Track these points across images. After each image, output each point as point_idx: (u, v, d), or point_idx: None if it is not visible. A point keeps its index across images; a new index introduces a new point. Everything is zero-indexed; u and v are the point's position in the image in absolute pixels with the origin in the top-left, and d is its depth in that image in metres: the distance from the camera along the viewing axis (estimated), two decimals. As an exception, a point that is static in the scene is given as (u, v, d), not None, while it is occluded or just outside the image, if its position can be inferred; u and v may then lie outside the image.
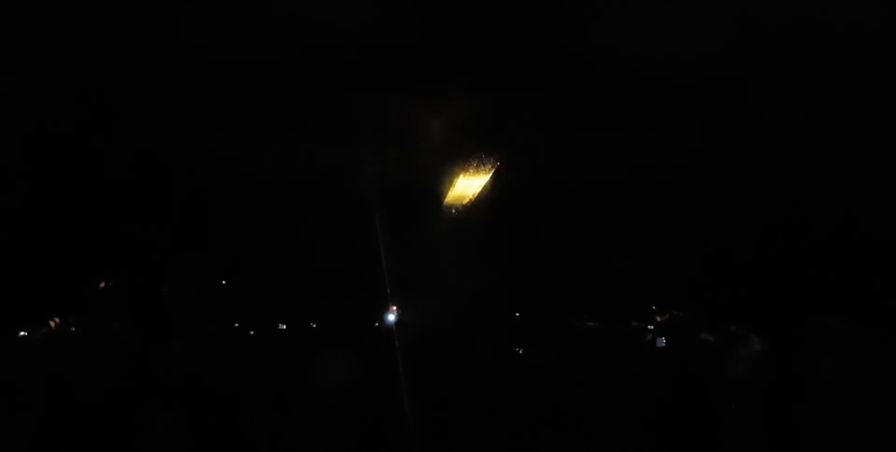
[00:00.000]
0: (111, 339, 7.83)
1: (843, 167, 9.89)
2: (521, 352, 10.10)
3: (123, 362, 7.44)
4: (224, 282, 12.48)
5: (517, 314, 13.29)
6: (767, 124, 10.15)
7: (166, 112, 10.73)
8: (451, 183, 12.31)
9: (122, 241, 11.25)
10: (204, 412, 7.26)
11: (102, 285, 10.47)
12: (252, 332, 10.30)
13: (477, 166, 12.23)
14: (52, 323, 8.73)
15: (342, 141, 11.26)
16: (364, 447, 7.10)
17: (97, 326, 8.25)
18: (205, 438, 7.02)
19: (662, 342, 9.67)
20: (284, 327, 11.04)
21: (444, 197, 12.58)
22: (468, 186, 12.35)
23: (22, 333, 8.37)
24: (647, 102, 10.43)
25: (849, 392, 6.15)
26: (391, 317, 12.20)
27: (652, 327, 10.50)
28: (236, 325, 10.76)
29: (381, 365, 8.63)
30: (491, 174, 12.30)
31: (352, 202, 11.46)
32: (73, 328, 8.45)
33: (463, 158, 12.18)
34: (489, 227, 12.60)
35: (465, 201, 12.51)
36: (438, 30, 9.93)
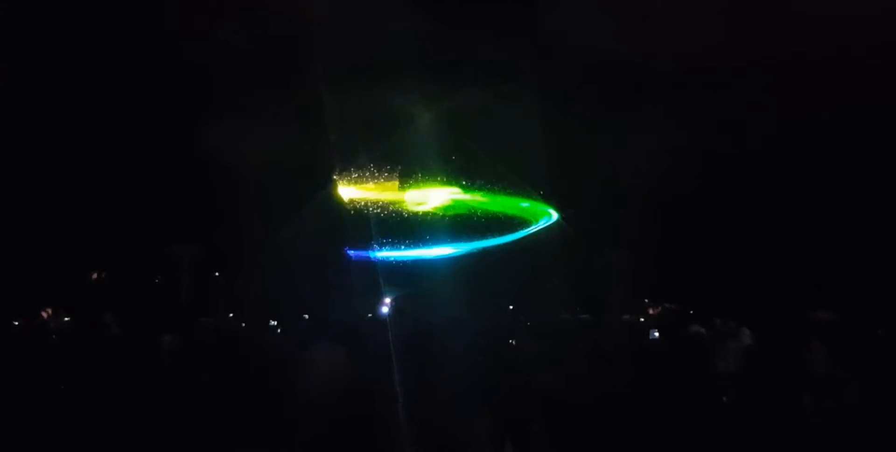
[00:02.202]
0: (102, 331, 7.80)
1: (841, 165, 9.95)
2: (513, 343, 10.10)
3: (114, 354, 7.40)
4: (217, 274, 12.47)
5: (511, 307, 13.33)
6: (764, 121, 10.18)
7: (162, 105, 10.70)
8: (446, 178, 12.30)
9: (114, 233, 11.23)
10: (195, 406, 7.23)
11: (95, 276, 10.45)
12: (244, 324, 10.27)
13: (475, 162, 12.22)
14: (45, 314, 8.70)
15: (337, 135, 11.24)
16: (358, 438, 7.09)
17: (89, 317, 8.21)
18: (195, 433, 7.00)
19: (655, 334, 9.72)
20: (275, 323, 11.01)
21: (440, 191, 12.57)
22: (466, 181, 12.35)
23: (15, 323, 8.35)
24: (642, 96, 10.46)
25: (838, 384, 6.17)
26: (385, 309, 12.21)
27: (644, 319, 10.55)
28: (231, 315, 10.76)
29: (375, 357, 8.59)
30: (490, 170, 12.29)
31: (346, 193, 11.47)
32: (66, 319, 8.43)
33: (461, 153, 12.18)
34: (485, 221, 12.62)
35: (462, 195, 12.51)
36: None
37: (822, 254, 9.76)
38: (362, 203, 11.35)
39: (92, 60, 10.16)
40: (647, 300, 11.29)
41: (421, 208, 12.26)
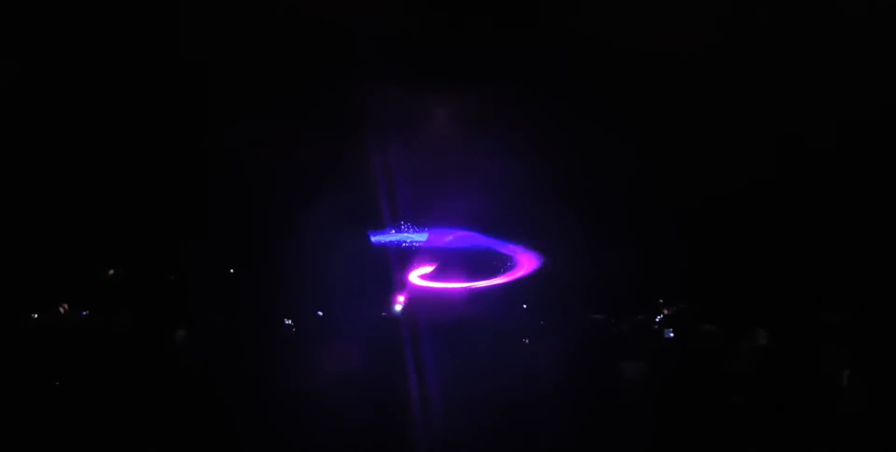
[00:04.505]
0: (116, 325, 7.89)
1: (843, 164, 9.86)
2: (527, 342, 10.12)
3: (127, 348, 7.47)
4: (231, 271, 12.55)
5: (524, 306, 13.31)
6: (769, 118, 10.10)
7: (172, 104, 10.80)
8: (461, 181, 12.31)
9: (129, 229, 11.35)
10: (208, 400, 7.28)
11: (111, 272, 10.59)
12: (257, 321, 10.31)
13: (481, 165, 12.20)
14: (62, 309, 8.83)
15: (351, 135, 11.30)
16: (371, 433, 7.12)
17: (104, 312, 8.32)
18: (208, 426, 7.04)
19: (670, 333, 9.69)
20: (290, 322, 11.07)
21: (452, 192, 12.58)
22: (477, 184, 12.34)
23: (34, 315, 8.47)
24: (651, 101, 10.41)
25: (850, 385, 6.12)
26: (397, 307, 12.24)
27: (658, 319, 10.53)
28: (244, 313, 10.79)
29: (388, 354, 8.64)
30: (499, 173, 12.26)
31: (361, 192, 11.49)
32: (83, 313, 8.54)
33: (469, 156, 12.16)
34: (496, 220, 12.61)
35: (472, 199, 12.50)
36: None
37: (837, 254, 9.65)
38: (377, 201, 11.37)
39: (102, 55, 10.26)
40: (661, 300, 11.22)
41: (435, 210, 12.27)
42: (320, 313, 11.68)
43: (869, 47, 8.57)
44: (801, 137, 9.61)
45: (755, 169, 10.18)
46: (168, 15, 10.05)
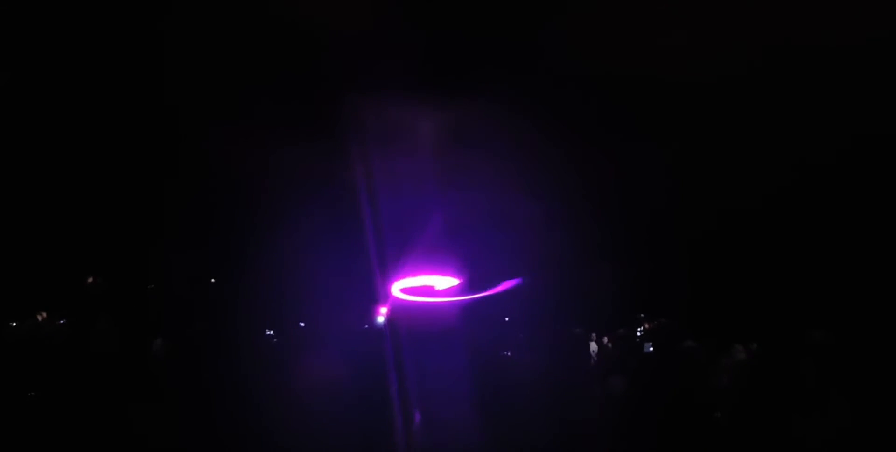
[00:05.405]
0: (94, 334, 7.80)
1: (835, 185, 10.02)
2: (508, 354, 10.13)
3: (105, 357, 7.39)
4: (213, 280, 12.46)
5: (506, 319, 13.33)
6: (754, 138, 10.24)
7: (158, 111, 10.73)
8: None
9: (109, 238, 11.24)
10: (187, 410, 7.21)
11: (90, 280, 10.46)
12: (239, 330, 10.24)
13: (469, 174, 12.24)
14: (39, 317, 8.72)
15: (338, 144, 11.28)
16: (351, 442, 7.08)
17: (82, 321, 8.22)
18: (187, 437, 6.97)
19: (649, 347, 9.76)
20: (271, 332, 11.00)
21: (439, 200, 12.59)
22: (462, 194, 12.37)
23: (13, 324, 8.36)
24: (637, 116, 10.52)
25: (830, 402, 6.18)
26: (380, 319, 12.20)
27: (639, 333, 10.59)
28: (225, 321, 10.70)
29: (370, 365, 8.61)
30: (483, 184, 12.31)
31: (344, 203, 11.47)
32: (61, 322, 8.44)
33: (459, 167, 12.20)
34: (480, 234, 12.64)
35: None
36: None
37: (820, 270, 9.79)
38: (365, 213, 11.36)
39: (88, 61, 10.19)
40: (642, 315, 11.29)
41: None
42: (302, 323, 11.63)
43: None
44: (792, 153, 9.77)
45: (738, 187, 10.32)
46: (150, 16, 10.01)
